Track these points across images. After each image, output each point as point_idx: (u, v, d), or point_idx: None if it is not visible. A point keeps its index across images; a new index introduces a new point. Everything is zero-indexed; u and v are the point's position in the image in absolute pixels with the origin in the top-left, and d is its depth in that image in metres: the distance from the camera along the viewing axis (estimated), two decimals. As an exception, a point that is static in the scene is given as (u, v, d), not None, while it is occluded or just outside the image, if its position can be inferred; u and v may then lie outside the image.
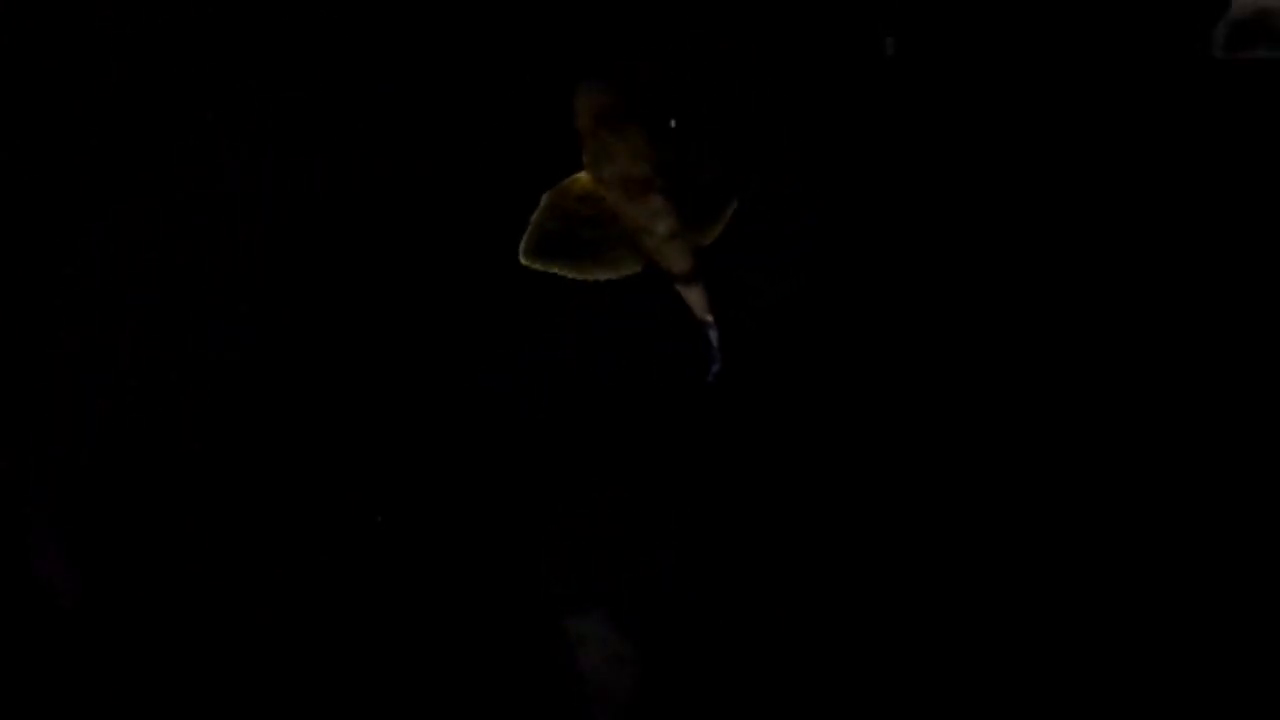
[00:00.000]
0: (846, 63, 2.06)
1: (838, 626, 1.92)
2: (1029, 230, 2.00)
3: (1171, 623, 1.90)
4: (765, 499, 1.95)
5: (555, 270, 1.90)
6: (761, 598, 1.93)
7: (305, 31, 2.03)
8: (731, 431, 1.96)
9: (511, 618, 1.92)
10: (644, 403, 1.96)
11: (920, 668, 1.91)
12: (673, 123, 1.95)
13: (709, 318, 1.92)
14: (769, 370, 1.96)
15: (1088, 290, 1.99)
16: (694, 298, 1.92)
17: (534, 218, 1.91)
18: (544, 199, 1.91)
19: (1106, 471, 1.94)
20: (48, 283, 1.98)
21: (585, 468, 1.96)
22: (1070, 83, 2.03)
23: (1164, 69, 2.02)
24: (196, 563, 1.92)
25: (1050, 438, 1.96)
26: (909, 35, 2.05)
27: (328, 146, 2.01)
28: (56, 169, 1.99)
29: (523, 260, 1.90)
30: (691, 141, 1.95)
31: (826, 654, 1.92)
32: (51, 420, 1.95)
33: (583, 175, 1.93)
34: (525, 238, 1.90)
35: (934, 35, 2.05)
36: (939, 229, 2.02)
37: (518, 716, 1.91)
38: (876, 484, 1.95)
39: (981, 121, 2.03)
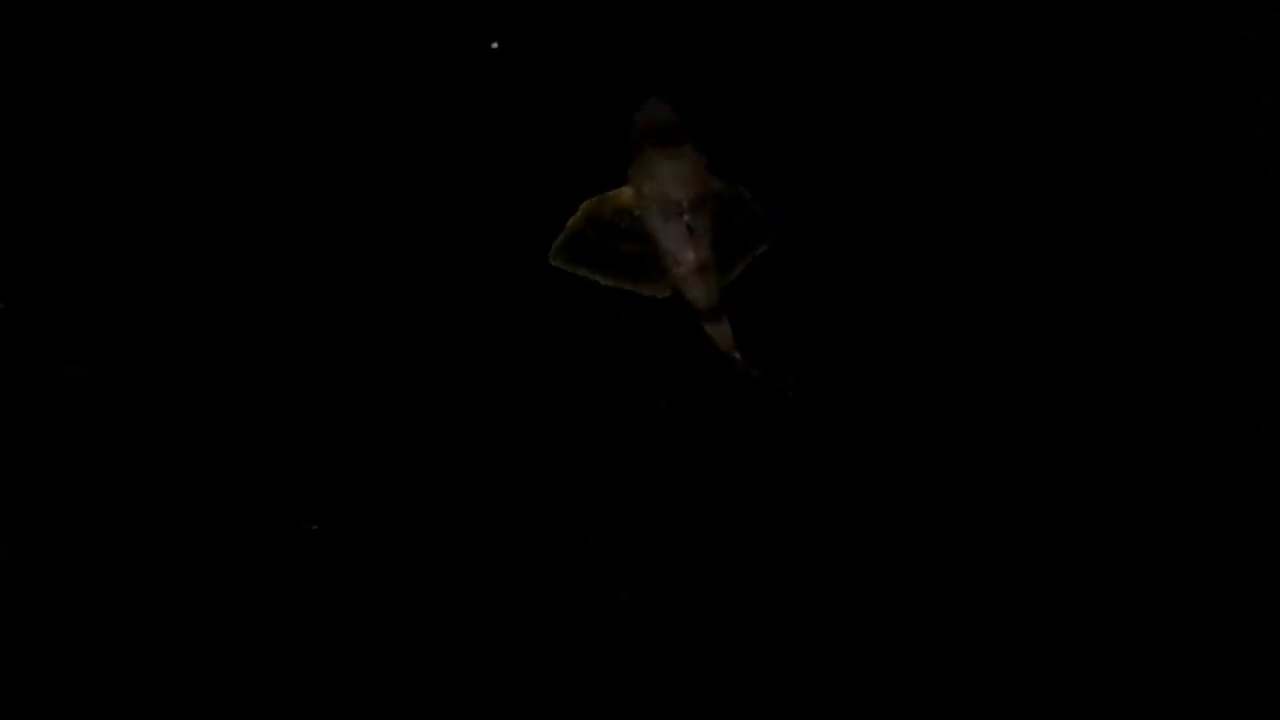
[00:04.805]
0: (846, 63, 2.06)
1: (840, 627, 1.93)
2: (1033, 229, 2.01)
3: (1171, 624, 1.91)
4: (767, 500, 1.96)
5: (583, 275, 1.87)
6: (762, 598, 1.94)
7: (305, 31, 2.03)
8: (731, 430, 1.97)
9: (512, 618, 1.93)
10: (646, 402, 1.97)
11: (924, 671, 1.91)
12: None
13: (735, 354, 1.89)
14: (768, 368, 1.97)
15: (1091, 291, 1.99)
16: (716, 332, 1.89)
17: (570, 223, 1.87)
18: (583, 206, 1.87)
19: (1111, 478, 1.95)
20: (48, 283, 1.98)
21: (588, 468, 1.96)
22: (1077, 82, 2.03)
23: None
24: (197, 562, 1.93)
25: (1048, 438, 1.96)
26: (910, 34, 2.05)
27: (328, 146, 2.02)
28: (56, 169, 1.99)
29: (552, 261, 1.87)
30: (735, 181, 1.91)
31: (828, 654, 1.92)
32: (52, 420, 1.95)
33: (626, 190, 1.88)
34: (559, 240, 1.86)
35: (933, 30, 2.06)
36: (938, 228, 2.02)
37: (518, 714, 1.91)
38: (880, 485, 1.96)
39: (982, 110, 2.03)
